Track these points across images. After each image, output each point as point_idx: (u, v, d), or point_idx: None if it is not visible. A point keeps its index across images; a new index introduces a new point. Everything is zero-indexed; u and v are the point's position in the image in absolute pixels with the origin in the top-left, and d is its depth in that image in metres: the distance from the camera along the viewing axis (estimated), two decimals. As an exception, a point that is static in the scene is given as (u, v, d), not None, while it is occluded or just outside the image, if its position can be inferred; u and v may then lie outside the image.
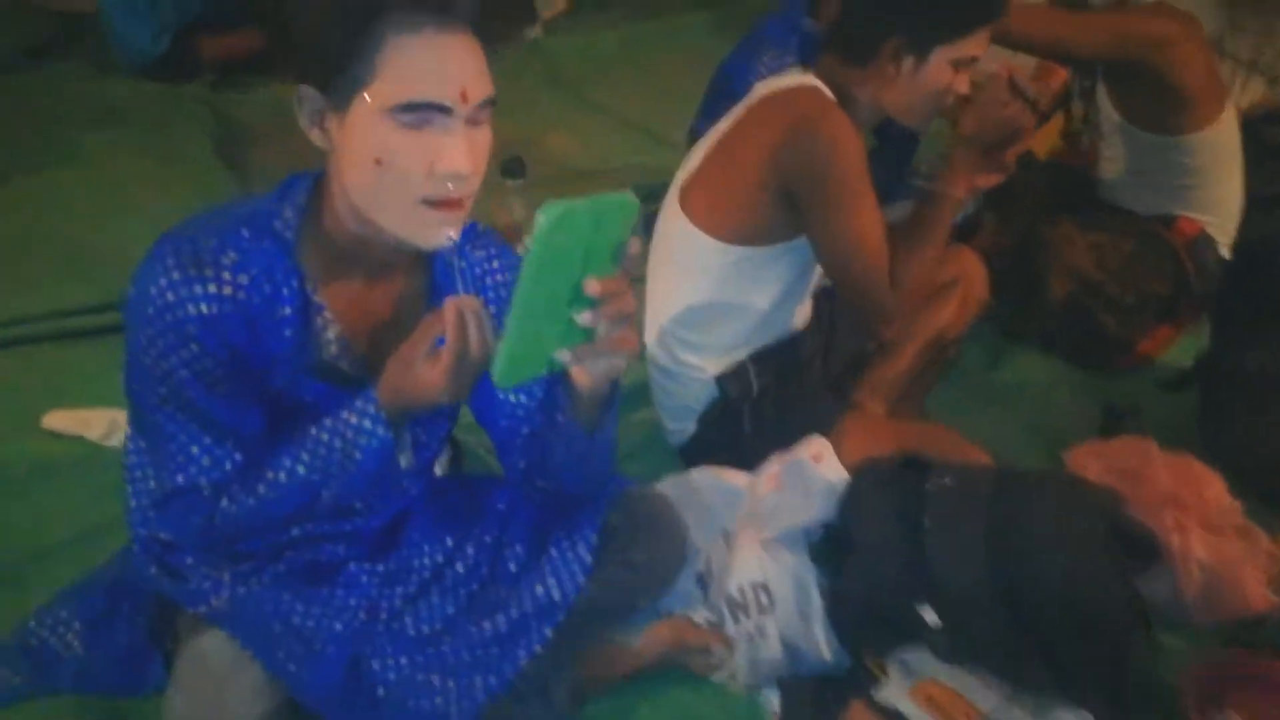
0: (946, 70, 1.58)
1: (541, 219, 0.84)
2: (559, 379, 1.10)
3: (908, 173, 2.27)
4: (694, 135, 2.39)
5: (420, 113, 1.00)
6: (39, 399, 2.07)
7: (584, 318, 0.93)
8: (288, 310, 1.12)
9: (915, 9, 1.55)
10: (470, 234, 1.27)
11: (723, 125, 1.73)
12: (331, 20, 0.99)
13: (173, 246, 1.07)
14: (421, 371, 1.05)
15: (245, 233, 1.09)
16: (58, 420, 1.99)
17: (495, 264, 1.29)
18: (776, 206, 1.60)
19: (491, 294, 1.27)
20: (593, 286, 0.91)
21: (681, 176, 1.77)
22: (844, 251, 1.60)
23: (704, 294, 1.68)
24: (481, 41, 1.04)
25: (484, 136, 1.05)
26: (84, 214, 2.74)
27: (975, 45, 1.58)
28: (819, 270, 1.71)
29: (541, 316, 0.91)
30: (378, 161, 1.01)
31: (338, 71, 1.00)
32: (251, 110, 3.50)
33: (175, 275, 1.06)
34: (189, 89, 3.60)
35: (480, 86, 1.02)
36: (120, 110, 3.42)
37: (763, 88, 1.70)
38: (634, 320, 0.98)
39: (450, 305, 1.01)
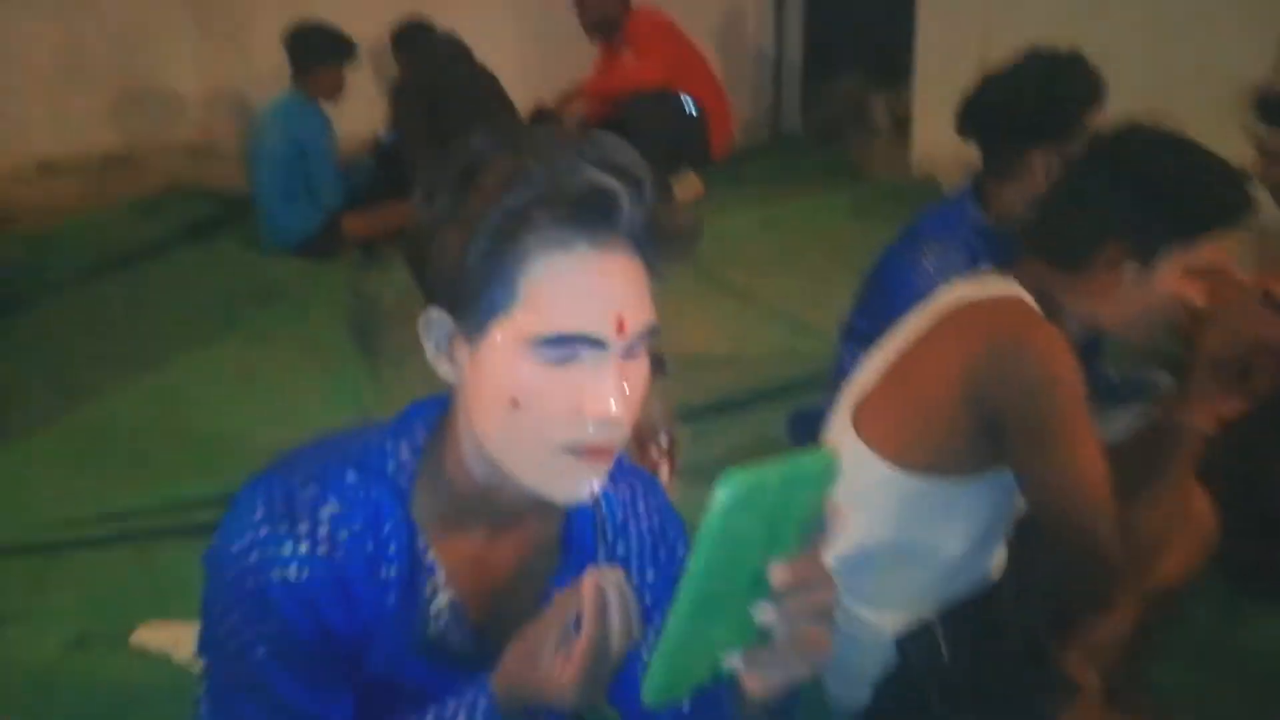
0: (1177, 278, 1.34)
1: (720, 496, 0.65)
2: (724, 684, 0.86)
3: (1098, 377, 2.00)
4: (850, 331, 2.20)
5: (568, 346, 0.84)
6: (143, 602, 1.98)
7: (766, 615, 0.71)
8: (394, 572, 0.94)
9: (1141, 207, 1.34)
10: (613, 470, 1.07)
11: (903, 334, 1.52)
12: (469, 238, 0.83)
13: (264, 494, 0.92)
14: (550, 667, 0.86)
15: (352, 477, 0.93)
16: (148, 636, 1.87)
17: (642, 506, 1.09)
18: (974, 434, 1.37)
19: (635, 546, 1.07)
20: (781, 575, 0.70)
21: (852, 390, 1.54)
22: (1061, 494, 1.34)
23: (881, 532, 1.43)
24: (646, 262, 0.88)
25: (640, 370, 0.89)
26: (210, 401, 2.75)
27: (1214, 248, 1.34)
28: (1018, 506, 1.45)
29: (712, 614, 0.71)
30: (514, 402, 0.85)
31: (473, 295, 0.85)
32: (391, 288, 3.53)
33: (263, 531, 0.90)
34: (334, 267, 3.66)
35: (640, 315, 0.86)
36: (264, 290, 3.53)
37: (952, 294, 1.49)
38: (830, 615, 0.75)
39: (589, 583, 0.83)
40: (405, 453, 0.96)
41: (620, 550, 1.06)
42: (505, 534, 1.00)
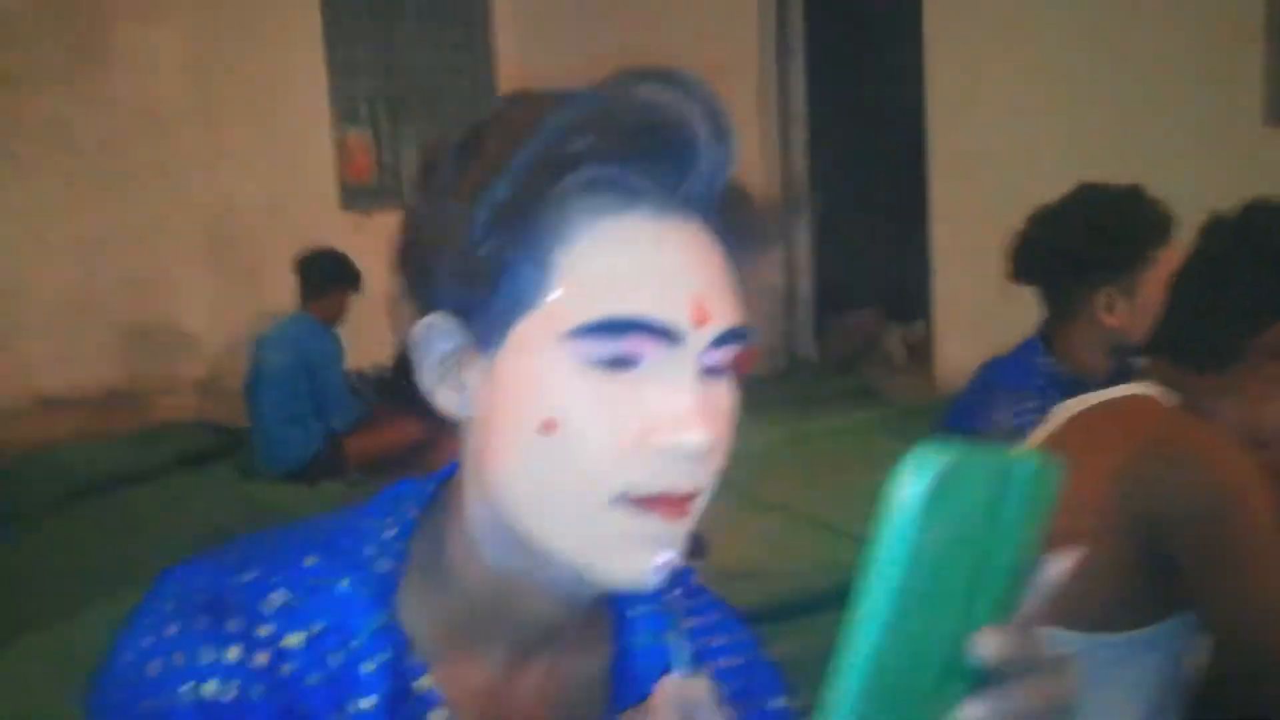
0: None
1: (907, 480, 0.42)
2: None
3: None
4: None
5: (626, 339, 0.58)
6: None
7: (972, 712, 0.47)
8: (372, 702, 0.63)
9: None
10: (681, 587, 0.79)
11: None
12: (482, 197, 0.59)
13: (178, 584, 0.63)
14: None
15: (312, 561, 0.65)
16: None
17: (723, 642, 0.80)
18: (1131, 568, 1.13)
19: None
20: (990, 644, 0.47)
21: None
22: (1260, 629, 1.08)
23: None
24: (726, 245, 0.63)
25: (726, 397, 0.62)
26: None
27: None
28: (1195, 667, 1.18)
29: (893, 685, 0.45)
30: (547, 425, 0.59)
31: (489, 284, 0.60)
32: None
33: (171, 630, 0.61)
34: (332, 487, 3.47)
35: (724, 305, 0.61)
36: (258, 512, 3.34)
37: (1071, 406, 1.30)
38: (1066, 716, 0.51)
39: (666, 695, 0.57)
40: (392, 531, 0.67)
41: None
42: (531, 663, 0.70)
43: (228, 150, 4.95)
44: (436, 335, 0.62)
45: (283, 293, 4.12)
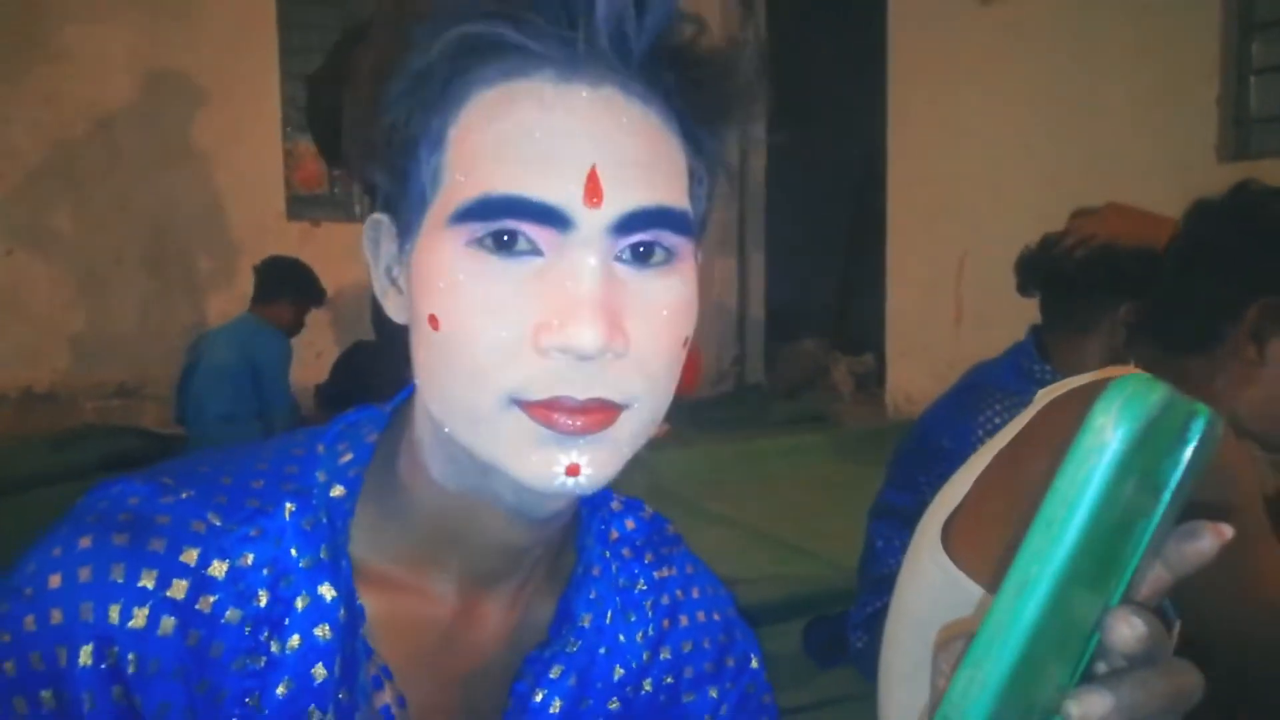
0: None
1: (1114, 417, 0.35)
2: None
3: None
4: (882, 509, 1.93)
5: (503, 221, 0.51)
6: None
7: (1090, 706, 0.39)
8: (297, 642, 0.55)
9: None
10: (649, 533, 0.72)
11: (997, 441, 1.24)
12: (388, 73, 0.53)
13: (110, 497, 0.55)
14: None
15: (256, 485, 0.58)
16: None
17: (697, 594, 0.73)
18: None
19: (691, 653, 0.71)
20: (1126, 627, 0.40)
21: (939, 503, 1.24)
22: (1255, 622, 1.02)
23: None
24: (676, 120, 0.54)
25: (662, 292, 0.53)
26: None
27: None
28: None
29: (1055, 638, 0.38)
30: (431, 321, 0.52)
31: (399, 170, 0.54)
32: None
33: (85, 541, 0.52)
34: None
35: (634, 181, 0.51)
36: None
37: (1050, 390, 1.24)
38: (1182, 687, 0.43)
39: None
40: (345, 457, 0.60)
41: (667, 656, 0.70)
42: (490, 595, 0.62)
43: (173, 154, 4.83)
44: (379, 234, 0.58)
45: (221, 300, 4.00)
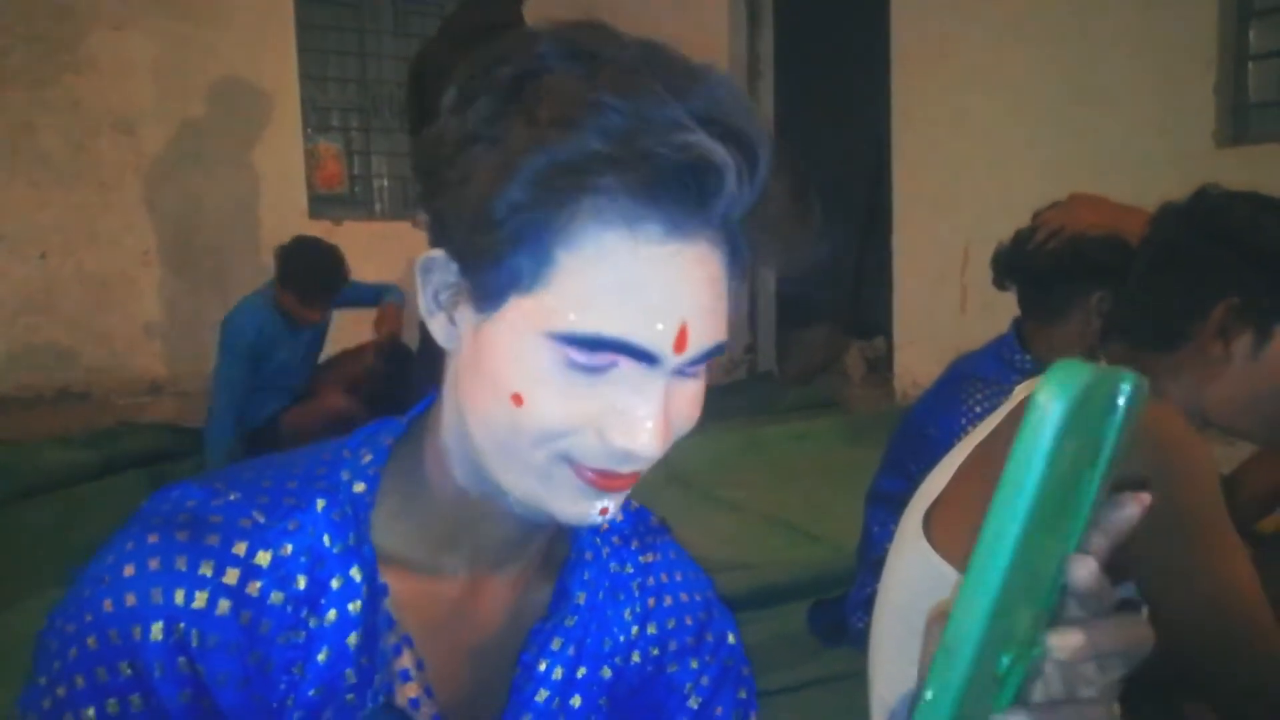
0: None
1: (1051, 394, 0.44)
2: None
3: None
4: (876, 496, 2.01)
5: (607, 355, 0.61)
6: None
7: (1064, 639, 0.49)
8: (334, 616, 0.66)
9: (1259, 266, 1.19)
10: (635, 523, 0.83)
11: (978, 432, 1.32)
12: (502, 179, 0.59)
13: (171, 500, 0.66)
14: None
15: (292, 485, 0.68)
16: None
17: (679, 576, 0.84)
18: None
19: (674, 629, 0.81)
20: (1083, 573, 0.49)
21: (922, 493, 1.33)
22: (1205, 612, 1.08)
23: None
24: (730, 255, 0.64)
25: (693, 394, 0.65)
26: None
27: None
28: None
29: (1010, 607, 0.47)
30: (515, 399, 0.62)
31: (492, 254, 0.61)
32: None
33: (153, 538, 0.63)
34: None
35: (710, 329, 0.62)
36: None
37: (1028, 385, 1.32)
38: (1121, 671, 0.52)
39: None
40: (368, 455, 0.71)
41: (653, 631, 0.81)
42: (497, 575, 0.74)
43: (196, 155, 4.93)
44: (438, 269, 0.65)
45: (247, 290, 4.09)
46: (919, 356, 4.27)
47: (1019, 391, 1.34)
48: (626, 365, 0.61)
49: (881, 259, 4.69)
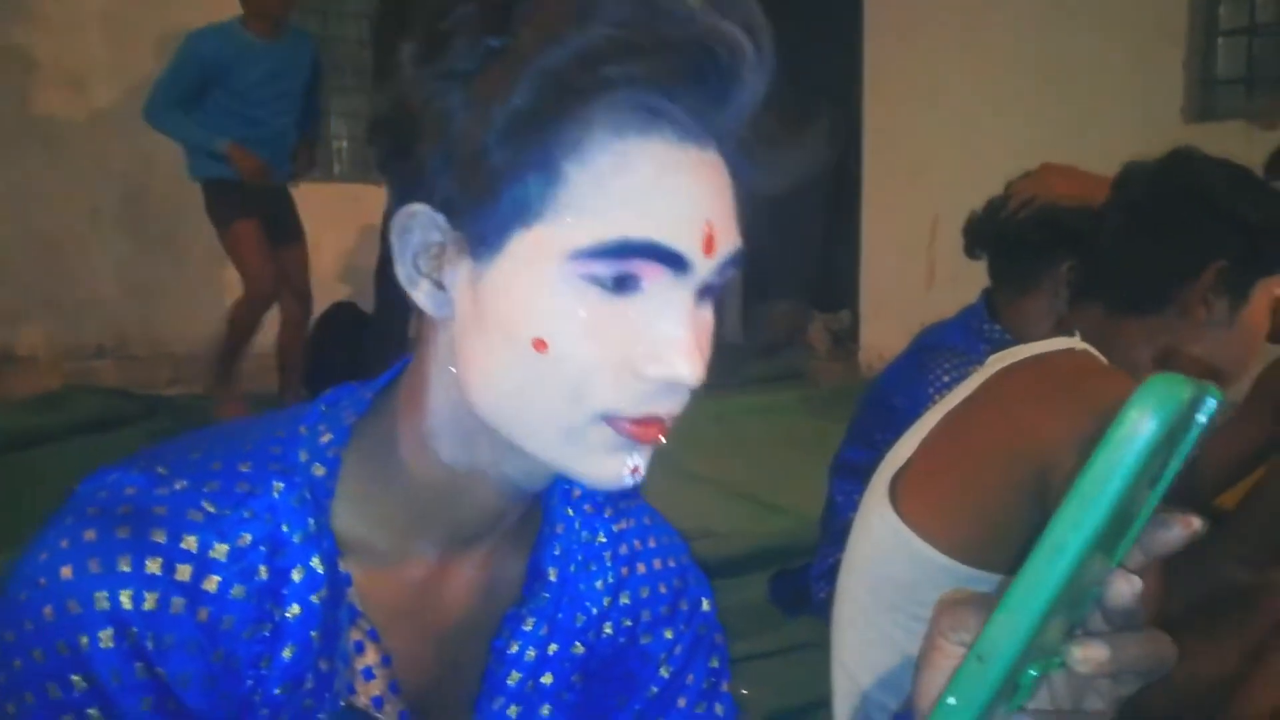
0: (1265, 311, 1.19)
1: (1148, 412, 0.40)
2: None
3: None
4: (841, 467, 1.99)
5: (632, 262, 0.56)
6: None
7: (1086, 654, 0.46)
8: (299, 610, 0.61)
9: (1241, 232, 1.19)
10: (612, 494, 0.78)
11: (946, 401, 1.29)
12: (500, 94, 0.54)
13: (108, 487, 0.59)
14: None
15: (244, 468, 0.62)
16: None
17: (654, 543, 0.79)
18: (1046, 515, 1.11)
19: (648, 598, 0.77)
20: (1130, 585, 0.46)
21: (889, 461, 1.30)
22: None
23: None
24: (738, 172, 0.61)
25: (709, 322, 0.62)
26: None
27: None
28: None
29: (1060, 606, 0.44)
30: (539, 344, 0.57)
31: (490, 187, 0.56)
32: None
33: (90, 534, 0.57)
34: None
35: (730, 232, 0.59)
36: None
37: (1003, 356, 1.29)
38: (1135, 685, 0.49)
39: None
40: (327, 434, 0.64)
41: (626, 601, 0.76)
42: (466, 555, 0.69)
43: (148, 113, 4.78)
44: (419, 227, 0.59)
45: (199, 260, 3.99)
46: (884, 330, 4.27)
47: (993, 361, 1.31)
48: (653, 280, 0.57)
49: (849, 232, 4.67)
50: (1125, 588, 0.45)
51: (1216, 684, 1.31)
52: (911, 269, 4.20)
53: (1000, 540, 1.12)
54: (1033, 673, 0.45)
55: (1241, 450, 1.78)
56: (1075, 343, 1.22)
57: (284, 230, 3.81)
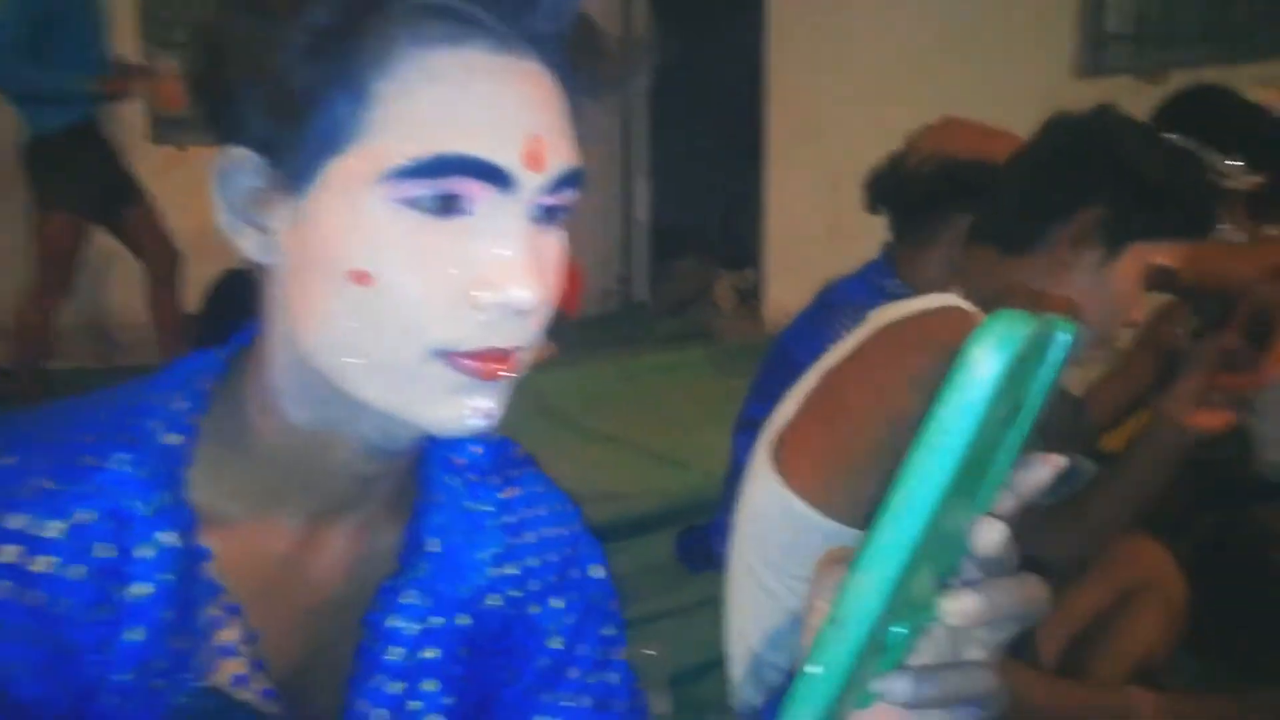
0: (1136, 277, 1.20)
1: (989, 350, 0.37)
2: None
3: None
4: (746, 424, 1.99)
5: (450, 180, 0.53)
6: None
7: (954, 605, 0.44)
8: (148, 589, 0.57)
9: (1124, 188, 1.19)
10: (495, 456, 0.74)
11: (826, 361, 1.28)
12: (294, 17, 0.52)
13: None
14: None
15: (87, 440, 0.58)
16: None
17: (545, 511, 0.76)
18: None
19: (538, 565, 0.74)
20: (996, 532, 0.44)
21: (772, 426, 1.29)
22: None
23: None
24: (566, 86, 0.58)
25: (557, 247, 0.58)
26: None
27: (1174, 254, 1.22)
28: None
29: (922, 561, 0.42)
30: (360, 276, 0.54)
31: (297, 115, 0.53)
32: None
33: None
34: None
35: (560, 147, 0.56)
36: None
37: (880, 314, 1.28)
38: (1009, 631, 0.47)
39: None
40: (182, 401, 0.61)
41: (513, 571, 0.73)
42: (334, 527, 0.65)
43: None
44: (237, 170, 0.56)
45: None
46: (788, 288, 4.30)
47: (874, 316, 1.31)
48: (479, 202, 0.54)
49: (753, 190, 4.68)
50: (991, 534, 0.44)
51: (1092, 631, 1.36)
52: (816, 226, 4.24)
53: (873, 499, 1.13)
54: (903, 630, 0.43)
55: (1128, 392, 1.84)
56: (953, 299, 1.23)
57: (121, 194, 3.56)
